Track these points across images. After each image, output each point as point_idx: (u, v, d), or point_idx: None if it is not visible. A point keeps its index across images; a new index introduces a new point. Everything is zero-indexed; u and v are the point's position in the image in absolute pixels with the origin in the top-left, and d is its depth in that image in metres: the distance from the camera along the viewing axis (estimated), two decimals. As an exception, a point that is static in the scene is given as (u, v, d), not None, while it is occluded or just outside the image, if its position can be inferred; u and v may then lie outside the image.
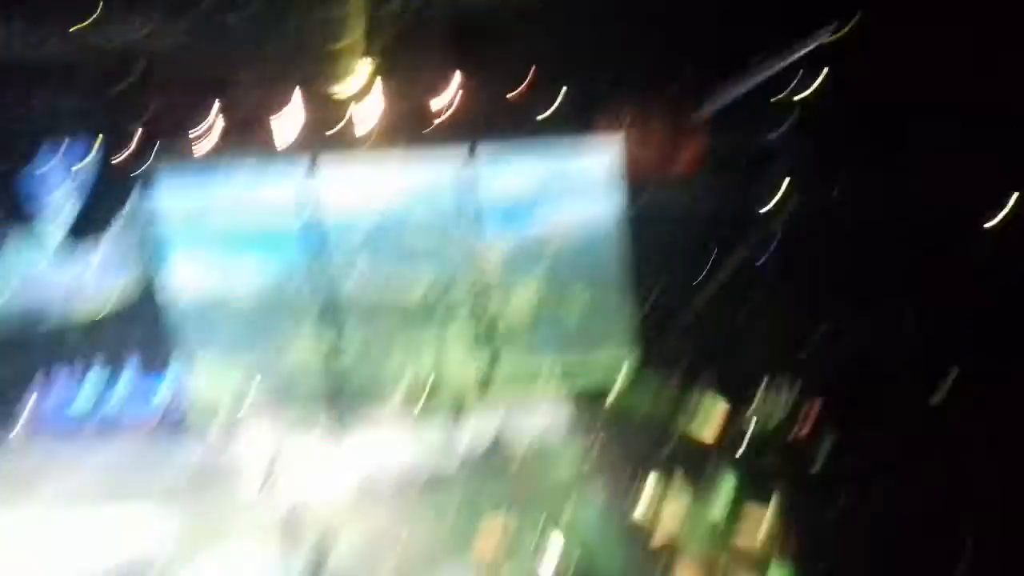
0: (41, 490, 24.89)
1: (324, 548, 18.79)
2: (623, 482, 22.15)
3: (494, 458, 24.07)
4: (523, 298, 27.27)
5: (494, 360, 27.46)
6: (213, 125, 19.06)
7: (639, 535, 19.74)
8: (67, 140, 21.55)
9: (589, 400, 27.88)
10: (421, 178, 26.40)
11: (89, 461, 26.67)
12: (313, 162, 25.94)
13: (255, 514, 22.01)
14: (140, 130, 18.68)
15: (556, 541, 18.62)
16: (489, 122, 21.27)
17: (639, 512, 20.38)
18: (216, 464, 25.58)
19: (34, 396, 29.80)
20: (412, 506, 22.25)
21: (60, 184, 22.98)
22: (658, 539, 19.35)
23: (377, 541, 20.32)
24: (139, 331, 30.64)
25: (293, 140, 21.25)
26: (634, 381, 27.49)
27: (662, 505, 20.10)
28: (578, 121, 23.72)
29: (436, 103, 20.17)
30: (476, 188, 26.32)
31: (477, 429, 25.97)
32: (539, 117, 20.15)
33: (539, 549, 18.35)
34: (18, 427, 28.53)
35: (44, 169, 20.84)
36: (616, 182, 26.59)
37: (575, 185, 26.57)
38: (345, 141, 24.60)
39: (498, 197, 26.55)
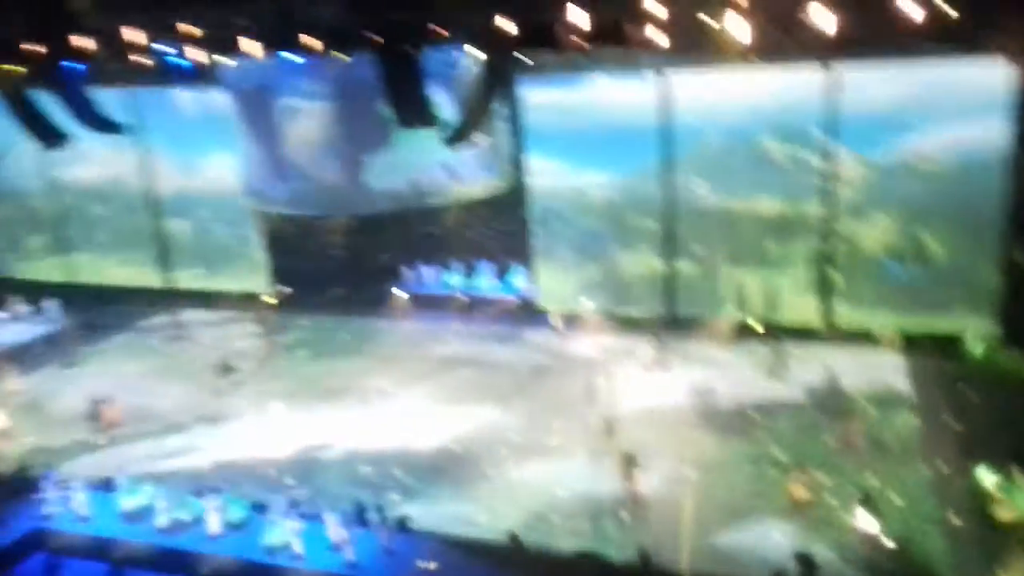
0: (395, 362, 28.95)
1: (633, 462, 19.71)
2: (961, 450, 20.50)
3: (824, 399, 23.17)
4: (878, 230, 25.38)
5: (835, 293, 26.15)
6: (577, 31, 19.50)
7: (969, 509, 18.29)
8: (448, 46, 23.35)
9: (936, 355, 25.64)
10: (781, 91, 25.25)
11: (443, 341, 30.37)
12: (671, 69, 25.78)
13: (577, 416, 23.45)
14: (508, 35, 19.60)
15: (873, 500, 17.87)
16: (859, 34, 19.31)
17: (974, 486, 18.71)
18: (548, 362, 27.66)
19: (409, 272, 34.16)
20: (729, 435, 22.39)
21: (443, 85, 25.21)
22: (993, 516, 17.82)
23: (689, 464, 20.80)
24: (499, 224, 33.48)
25: (653, 46, 21.11)
26: (991, 344, 24.69)
27: (1004, 482, 18.28)
28: (963, 34, 20.41)
29: (800, 13, 18.83)
30: (840, 105, 24.58)
31: (809, 365, 25.22)
32: (916, 29, 17.93)
33: (856, 503, 17.75)
34: (393, 297, 33.05)
35: (431, 71, 22.80)
36: (1008, 107, 23.14)
37: (953, 108, 23.65)
38: (705, 49, 24.00)
39: (864, 116, 24.55)
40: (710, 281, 27.57)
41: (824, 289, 26.28)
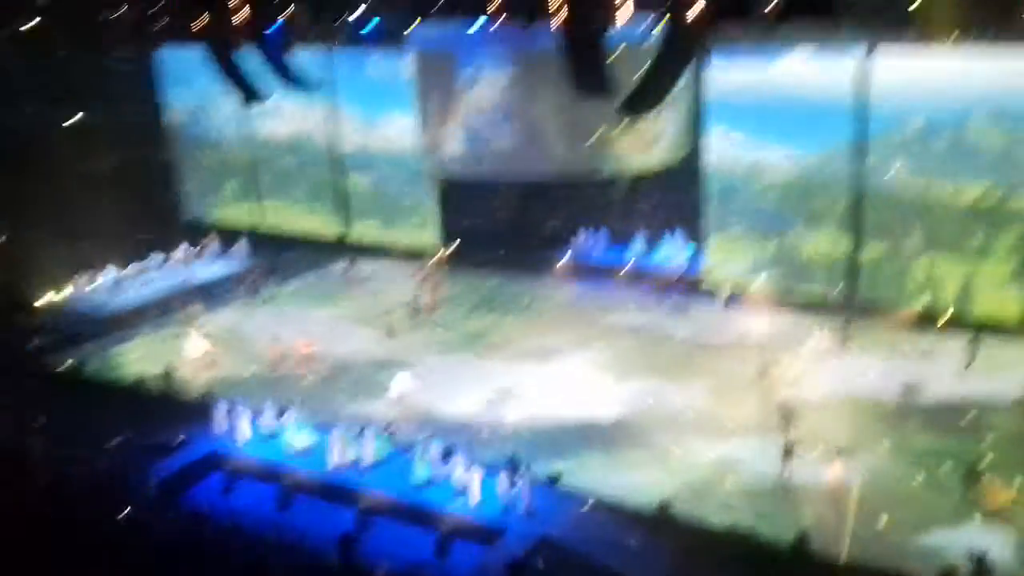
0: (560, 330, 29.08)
1: (793, 446, 19.08)
2: None
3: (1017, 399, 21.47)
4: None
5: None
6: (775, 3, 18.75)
7: None
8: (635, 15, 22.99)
9: None
10: (996, 71, 23.32)
11: (608, 309, 30.25)
12: (873, 45, 24.37)
13: (742, 395, 22.88)
14: (697, 6, 19.10)
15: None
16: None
17: None
18: (715, 339, 26.97)
19: (578, 239, 34.21)
20: (908, 427, 21.19)
21: (625, 54, 24.81)
22: None
23: (861, 454, 19.81)
24: (674, 196, 32.88)
25: (854, 20, 20.02)
26: None
27: None
28: None
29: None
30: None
31: (1005, 363, 23.41)
32: None
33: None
34: (560, 266, 33.24)
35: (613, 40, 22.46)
36: None
37: None
38: (912, 25, 22.57)
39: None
40: (899, 266, 25.94)
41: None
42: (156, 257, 34.61)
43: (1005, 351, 23.84)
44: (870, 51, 24.45)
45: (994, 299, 24.85)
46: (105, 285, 32.21)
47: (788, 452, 18.79)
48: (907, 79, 24.48)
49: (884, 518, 17.47)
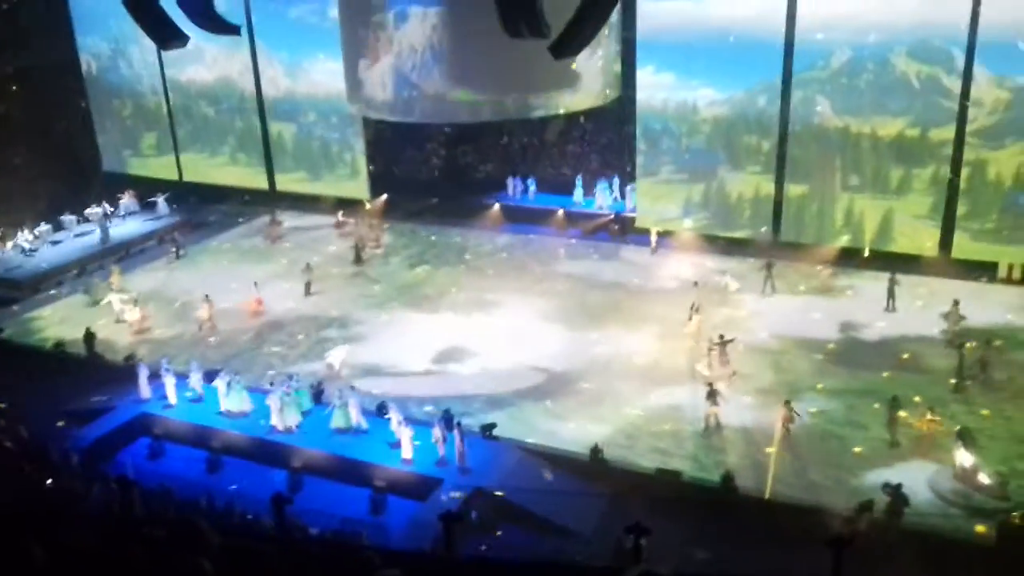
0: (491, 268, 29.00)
1: (718, 389, 19.44)
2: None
3: (943, 334, 21.99)
4: (1011, 159, 23.54)
5: (955, 223, 24.60)
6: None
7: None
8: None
9: None
10: (919, 9, 23.45)
11: (539, 255, 30.22)
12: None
13: (672, 340, 23.09)
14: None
15: (972, 436, 17.16)
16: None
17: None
18: (646, 281, 27.17)
19: (508, 183, 33.93)
20: (828, 363, 21.75)
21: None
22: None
23: (781, 391, 20.20)
24: (604, 137, 32.74)
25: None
26: None
27: None
28: None
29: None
30: (982, 25, 22.69)
31: (923, 298, 24.06)
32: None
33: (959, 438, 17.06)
34: (490, 209, 32.98)
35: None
36: None
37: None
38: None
39: (1004, 36, 22.58)
40: (822, 206, 26.28)
41: (945, 218, 24.72)
42: (72, 214, 33.38)
43: (921, 288, 24.45)
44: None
45: (912, 235, 25.35)
46: (19, 245, 30.97)
47: (712, 395, 19.04)
48: (831, 16, 24.49)
49: (809, 455, 17.98)
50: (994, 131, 23.69)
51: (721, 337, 21.23)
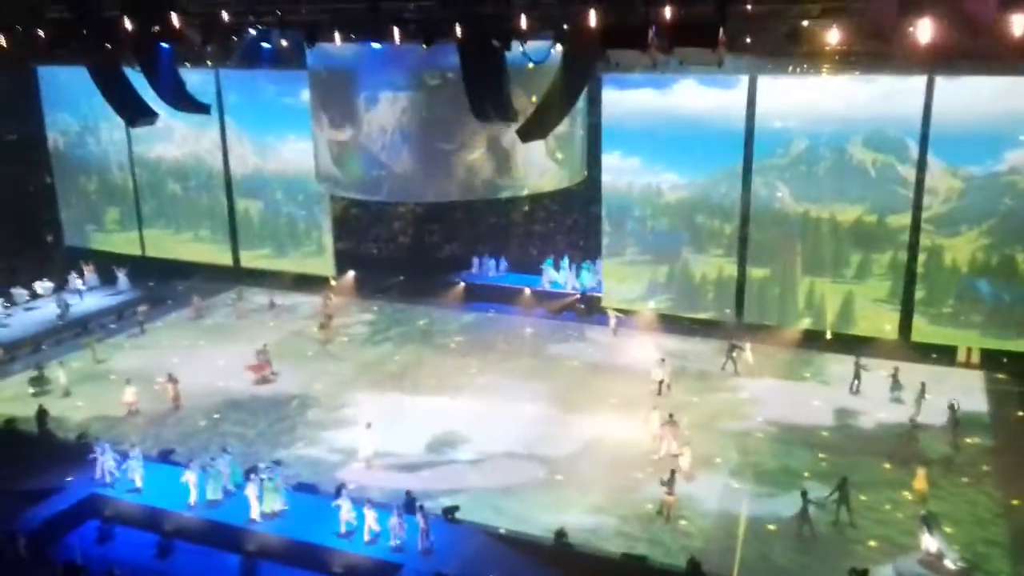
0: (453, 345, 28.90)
1: (678, 471, 19.41)
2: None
3: (909, 418, 22.08)
4: (966, 245, 24.16)
5: (914, 307, 24.97)
6: (656, 33, 19.06)
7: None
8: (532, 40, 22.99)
9: (1019, 379, 24.93)
10: (875, 101, 24.16)
11: (505, 333, 30.23)
12: (753, 75, 25.12)
13: (635, 420, 22.90)
14: (593, 33, 19.29)
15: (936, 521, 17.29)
16: (956, 50, 18.60)
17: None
18: (609, 364, 27.19)
19: (475, 262, 34.15)
20: (792, 449, 21.81)
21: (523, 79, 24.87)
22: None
23: (742, 474, 20.45)
24: (569, 218, 33.18)
25: (738, 51, 20.71)
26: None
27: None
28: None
29: (903, 28, 18.16)
30: (936, 117, 23.43)
31: (885, 380, 24.31)
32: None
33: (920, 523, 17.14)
34: (456, 288, 33.11)
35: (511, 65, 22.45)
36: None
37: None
38: (790, 60, 23.47)
39: (961, 128, 23.22)
40: (784, 288, 26.64)
41: (904, 302, 25.17)
42: (37, 287, 32.85)
43: (883, 371, 24.71)
44: (754, 80, 25.19)
45: (872, 319, 25.68)
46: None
47: (670, 481, 18.88)
48: (793, 106, 25.25)
49: (775, 541, 17.83)
50: (949, 218, 24.27)
51: (670, 416, 21.33)
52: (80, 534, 18.73)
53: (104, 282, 34.04)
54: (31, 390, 25.59)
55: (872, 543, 17.68)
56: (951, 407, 21.86)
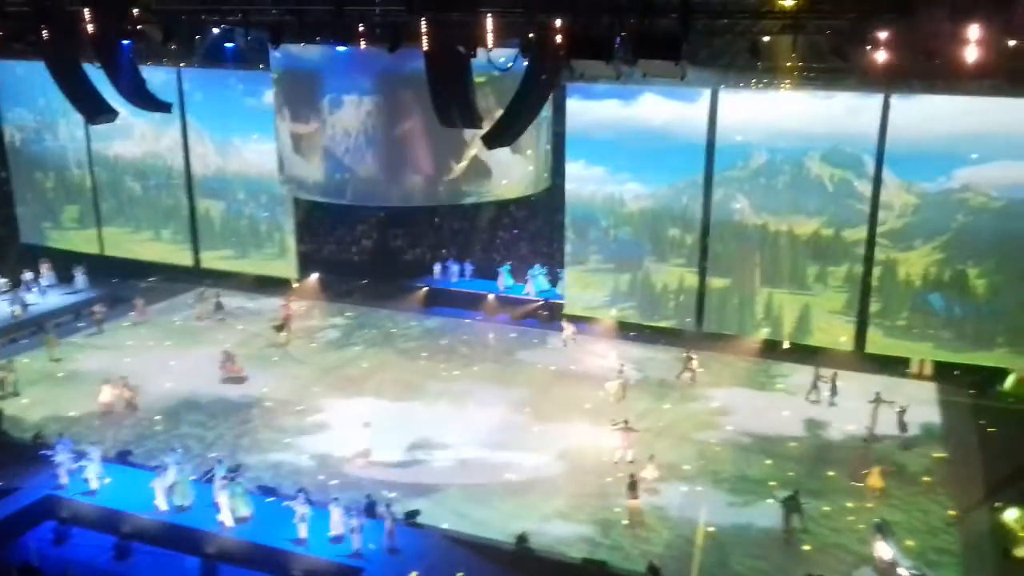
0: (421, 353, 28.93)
1: (638, 478, 19.60)
2: (986, 485, 20.26)
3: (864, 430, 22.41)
4: (920, 260, 24.79)
5: (869, 320, 25.50)
6: (620, 44, 19.38)
7: (988, 544, 18.05)
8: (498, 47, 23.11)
9: (971, 390, 25.64)
10: (834, 117, 24.69)
11: (465, 338, 30.33)
12: (715, 89, 25.57)
13: (597, 427, 23.21)
14: (559, 43, 19.53)
15: (890, 530, 17.75)
16: (912, 70, 19.20)
17: (996, 521, 18.56)
18: (570, 371, 27.46)
19: (437, 267, 34.20)
20: (750, 456, 22.20)
21: (488, 85, 25.01)
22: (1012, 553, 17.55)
23: (698, 480, 20.78)
24: (533, 225, 33.37)
25: (700, 65, 21.14)
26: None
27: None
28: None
29: (860, 44, 18.70)
30: (892, 133, 24.00)
31: (839, 390, 24.84)
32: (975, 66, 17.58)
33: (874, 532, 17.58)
34: (419, 292, 33.15)
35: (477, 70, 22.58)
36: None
37: (1004, 145, 23.00)
38: (752, 74, 23.97)
39: (916, 145, 23.77)
40: (742, 299, 27.07)
41: (859, 314, 25.71)
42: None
43: (838, 381, 25.19)
44: (715, 94, 25.61)
45: (827, 330, 26.20)
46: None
47: (632, 486, 19.17)
48: (750, 120, 25.72)
49: (734, 546, 18.14)
50: (903, 233, 24.85)
51: (626, 422, 21.66)
52: (36, 535, 18.41)
53: (61, 280, 33.38)
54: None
55: (828, 551, 18.02)
56: (899, 411, 22.65)
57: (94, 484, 19.39)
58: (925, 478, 20.97)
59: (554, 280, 31.94)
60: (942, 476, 21.10)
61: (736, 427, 23.60)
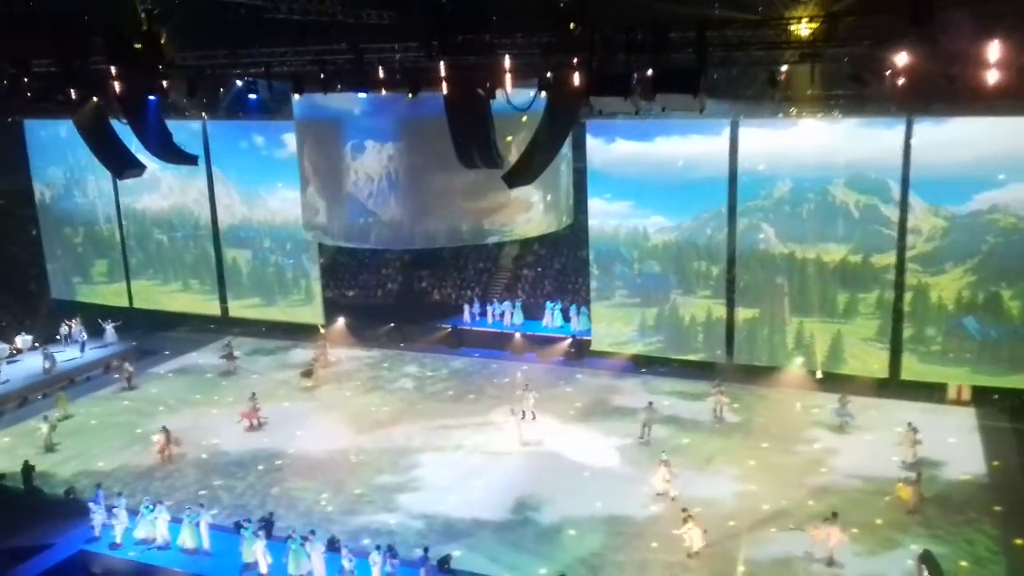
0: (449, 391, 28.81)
1: (687, 513, 19.18)
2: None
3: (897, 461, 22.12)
4: (951, 283, 24.42)
5: (903, 346, 25.14)
6: (638, 80, 19.41)
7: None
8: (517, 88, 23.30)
9: (1007, 412, 25.11)
10: (857, 143, 24.57)
11: (495, 379, 30.18)
12: (735, 120, 25.55)
13: (633, 460, 23.08)
14: (573, 80, 19.65)
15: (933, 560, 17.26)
16: (934, 94, 19.06)
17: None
18: (602, 401, 27.34)
19: (464, 307, 34.18)
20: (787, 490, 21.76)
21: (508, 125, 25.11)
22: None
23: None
24: (558, 263, 33.34)
25: (720, 98, 21.21)
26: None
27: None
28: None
29: (879, 70, 18.63)
30: (917, 157, 23.79)
31: (873, 419, 24.39)
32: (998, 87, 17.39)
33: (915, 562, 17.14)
34: (445, 333, 33.13)
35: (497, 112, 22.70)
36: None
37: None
38: (771, 104, 23.95)
39: (943, 168, 23.54)
40: (772, 328, 26.79)
41: (892, 340, 25.32)
42: (17, 341, 32.55)
43: (872, 409, 24.82)
44: (735, 124, 25.57)
45: (860, 358, 25.82)
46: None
47: (685, 519, 18.82)
48: (771, 150, 25.63)
49: None
50: (933, 257, 24.56)
51: (663, 456, 21.58)
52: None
53: (92, 335, 33.71)
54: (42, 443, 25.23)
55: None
56: (910, 427, 22.37)
57: (140, 533, 19.44)
58: (969, 507, 20.40)
59: (567, 316, 31.91)
60: (986, 505, 20.52)
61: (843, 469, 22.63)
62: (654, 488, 20.89)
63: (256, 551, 18.16)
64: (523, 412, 25.57)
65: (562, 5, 20.18)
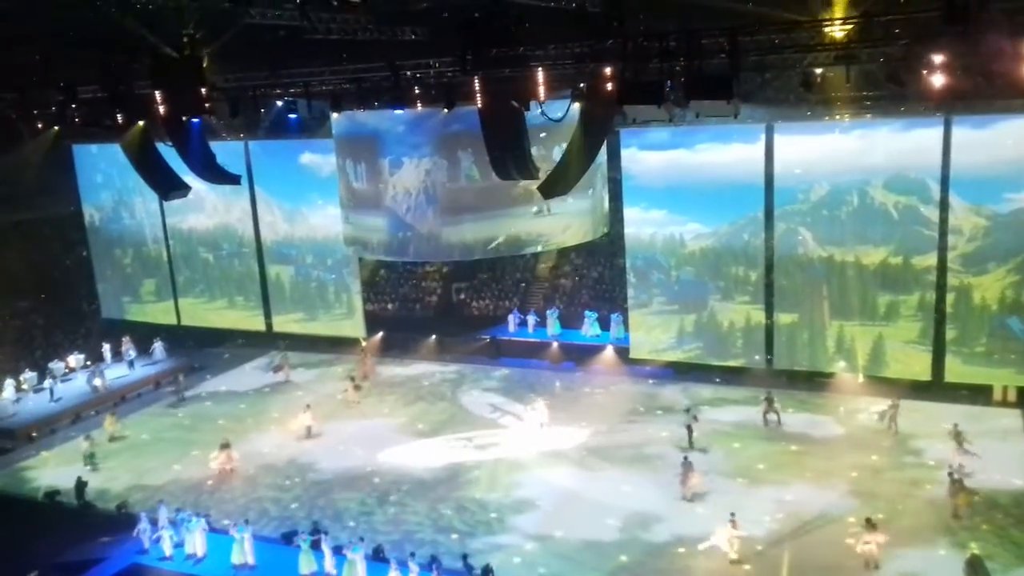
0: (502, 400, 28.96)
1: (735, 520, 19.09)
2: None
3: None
4: (995, 283, 24.08)
5: (946, 348, 24.80)
6: (671, 87, 19.51)
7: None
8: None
9: None
10: (895, 144, 24.39)
11: (538, 389, 30.31)
12: (770, 124, 25.48)
13: (669, 469, 22.84)
14: (607, 90, 19.79)
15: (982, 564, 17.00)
16: (971, 92, 18.88)
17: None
18: (644, 410, 27.33)
19: (505, 320, 34.41)
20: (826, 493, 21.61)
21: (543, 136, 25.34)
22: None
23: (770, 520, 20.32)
24: (595, 272, 33.43)
25: (754, 102, 21.20)
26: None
27: None
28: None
29: (916, 70, 18.49)
30: (956, 157, 23.58)
31: (917, 422, 24.09)
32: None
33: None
34: (485, 343, 33.38)
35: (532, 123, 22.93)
36: None
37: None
38: (807, 107, 23.90)
39: (976, 167, 23.36)
40: (812, 332, 26.62)
41: (935, 342, 25.01)
42: (70, 360, 33.40)
43: (916, 413, 24.56)
44: (771, 128, 25.51)
45: (903, 360, 25.56)
46: (15, 392, 30.78)
47: (734, 523, 18.74)
48: (808, 153, 25.52)
49: None
50: (975, 257, 24.25)
51: (685, 458, 21.85)
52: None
53: (141, 352, 34.49)
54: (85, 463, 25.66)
55: None
56: (955, 428, 22.08)
57: (188, 548, 19.90)
58: (1018, 510, 20.06)
59: (605, 324, 32.02)
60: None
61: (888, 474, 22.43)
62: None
63: (314, 562, 18.53)
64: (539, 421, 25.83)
65: (596, 12, 20.40)
